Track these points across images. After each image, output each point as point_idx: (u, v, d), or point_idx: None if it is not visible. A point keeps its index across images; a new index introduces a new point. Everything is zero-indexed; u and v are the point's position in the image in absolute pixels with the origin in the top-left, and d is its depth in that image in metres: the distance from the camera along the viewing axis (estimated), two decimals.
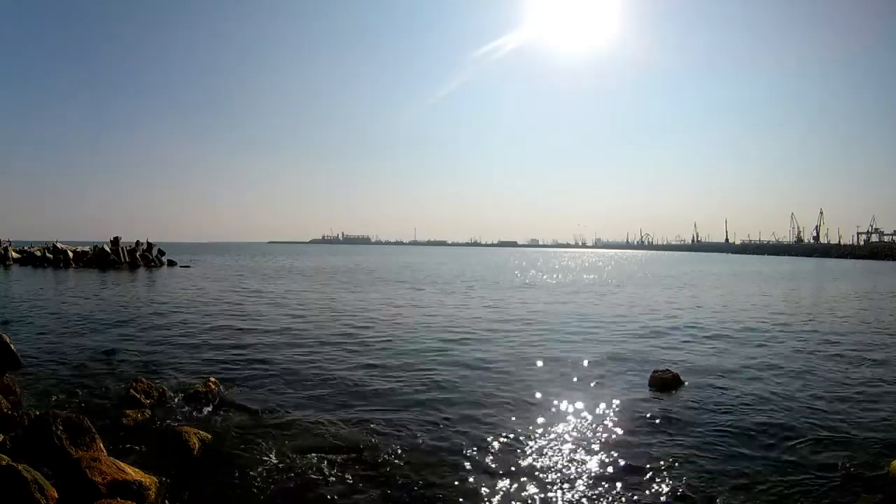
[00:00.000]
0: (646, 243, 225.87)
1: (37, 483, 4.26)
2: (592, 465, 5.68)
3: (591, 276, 41.10)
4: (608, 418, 7.13)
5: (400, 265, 56.97)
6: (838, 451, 6.03)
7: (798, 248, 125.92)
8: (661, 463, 5.72)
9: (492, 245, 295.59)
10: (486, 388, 8.60)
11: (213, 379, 8.35)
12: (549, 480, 5.31)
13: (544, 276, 40.60)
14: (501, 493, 5.08)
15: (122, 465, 4.87)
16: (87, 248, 47.04)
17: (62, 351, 11.02)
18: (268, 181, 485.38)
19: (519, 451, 6.03)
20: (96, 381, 8.72)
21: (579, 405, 7.70)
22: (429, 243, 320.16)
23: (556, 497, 4.99)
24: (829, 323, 16.44)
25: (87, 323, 14.97)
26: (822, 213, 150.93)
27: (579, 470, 5.55)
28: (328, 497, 4.98)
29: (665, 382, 8.60)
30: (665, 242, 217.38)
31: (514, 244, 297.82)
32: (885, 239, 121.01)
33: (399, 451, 5.97)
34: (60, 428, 5.16)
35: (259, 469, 5.47)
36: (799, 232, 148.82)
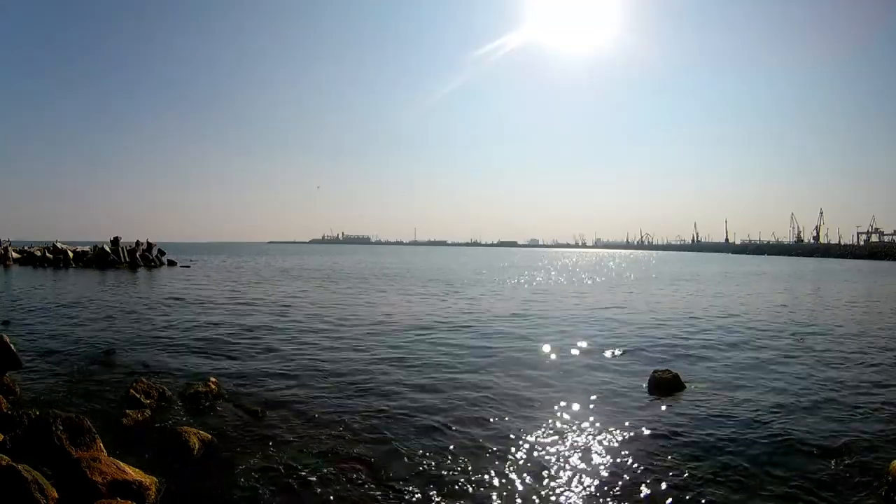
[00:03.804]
0: (646, 243, 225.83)
1: (37, 483, 4.26)
2: (589, 465, 5.67)
3: (592, 276, 41.07)
4: (606, 418, 7.12)
5: (401, 264, 56.90)
6: (838, 452, 6.02)
7: (798, 248, 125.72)
8: (660, 464, 5.71)
9: (492, 245, 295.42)
10: (486, 386, 8.59)
11: (213, 379, 8.34)
12: (546, 481, 5.31)
13: (547, 275, 40.60)
14: (499, 493, 5.08)
15: (122, 465, 4.87)
16: (87, 248, 47.02)
17: (62, 351, 11.03)
18: (268, 181, 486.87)
19: (517, 450, 6.03)
20: (96, 381, 8.72)
21: (577, 405, 7.69)
22: (429, 243, 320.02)
23: (554, 497, 4.99)
24: (832, 324, 16.42)
25: (87, 323, 14.98)
26: (822, 213, 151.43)
27: (576, 470, 5.54)
28: (330, 497, 4.98)
29: (665, 383, 8.58)
30: (665, 242, 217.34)
31: (514, 244, 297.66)
32: (885, 239, 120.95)
33: (400, 451, 5.97)
34: (60, 428, 5.16)
35: (260, 469, 5.47)
36: (799, 232, 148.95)
